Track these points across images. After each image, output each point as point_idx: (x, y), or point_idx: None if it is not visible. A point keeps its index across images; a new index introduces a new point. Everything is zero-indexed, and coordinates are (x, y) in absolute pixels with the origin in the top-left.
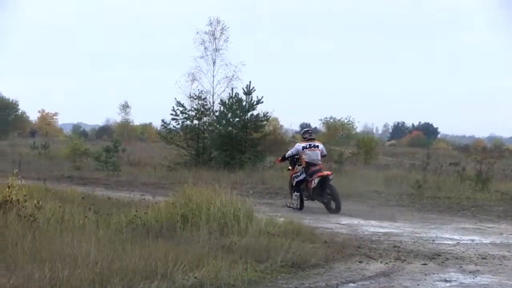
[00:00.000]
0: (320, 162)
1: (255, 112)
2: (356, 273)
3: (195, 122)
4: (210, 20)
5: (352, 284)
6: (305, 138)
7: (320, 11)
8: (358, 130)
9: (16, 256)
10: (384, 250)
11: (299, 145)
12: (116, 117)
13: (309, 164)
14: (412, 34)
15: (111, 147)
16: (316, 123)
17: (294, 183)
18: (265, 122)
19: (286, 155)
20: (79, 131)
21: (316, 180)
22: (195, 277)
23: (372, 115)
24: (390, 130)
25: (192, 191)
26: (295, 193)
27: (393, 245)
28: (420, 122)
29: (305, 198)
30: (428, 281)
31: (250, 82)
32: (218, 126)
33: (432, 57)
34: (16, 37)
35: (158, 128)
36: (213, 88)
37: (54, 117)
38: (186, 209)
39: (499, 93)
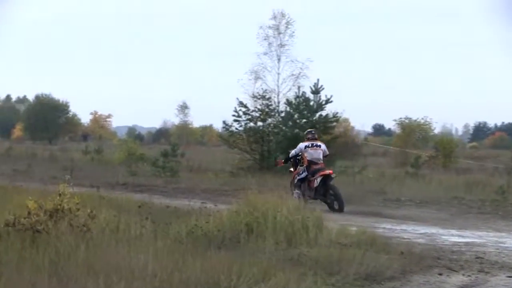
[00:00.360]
0: (321, 161)
1: (323, 113)
2: (435, 286)
3: (259, 123)
4: (274, 13)
5: None
6: (307, 138)
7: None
8: (436, 131)
9: (68, 269)
10: (465, 261)
11: (302, 144)
12: (174, 119)
13: (311, 163)
14: (494, 27)
15: (169, 151)
16: (390, 124)
17: (295, 181)
18: (334, 124)
19: (290, 155)
20: (134, 134)
21: (319, 179)
22: None
23: (451, 115)
24: (471, 131)
25: (257, 198)
26: (296, 190)
27: (475, 256)
28: (503, 122)
29: (308, 198)
30: None
31: (318, 80)
32: (283, 128)
33: None
34: (67, 37)
35: (219, 131)
36: (278, 86)
37: (108, 119)
38: (250, 217)
39: None
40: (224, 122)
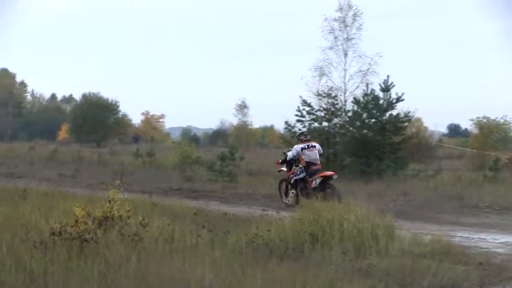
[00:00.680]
0: (319, 162)
1: (394, 112)
2: None
3: (324, 124)
4: (340, 4)
5: None
6: (301, 140)
7: None
8: None
9: (119, 281)
10: None
11: (297, 147)
12: (232, 119)
13: (309, 164)
14: None
15: (227, 154)
16: (466, 124)
17: (291, 181)
18: (406, 124)
19: (288, 158)
20: (189, 136)
21: (318, 180)
22: None
23: None
24: None
25: (322, 205)
26: (292, 190)
27: None
28: None
29: (304, 197)
30: None
31: (388, 76)
32: (351, 128)
33: None
34: (116, 33)
35: (281, 132)
36: (344, 84)
37: (160, 120)
38: (315, 226)
39: None
40: (286, 122)
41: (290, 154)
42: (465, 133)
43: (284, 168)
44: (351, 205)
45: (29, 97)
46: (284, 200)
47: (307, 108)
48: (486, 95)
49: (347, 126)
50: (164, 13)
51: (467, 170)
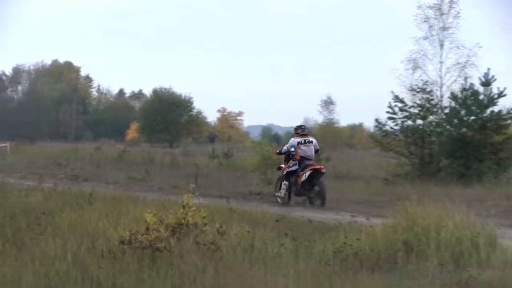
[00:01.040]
0: (314, 158)
1: (496, 108)
2: None
3: (419, 121)
4: None
5: None
6: (298, 134)
7: None
8: None
9: None
10: None
11: (294, 140)
12: (316, 116)
13: (303, 158)
14: None
15: None
16: None
17: (284, 173)
18: (509, 121)
19: (282, 151)
20: (269, 135)
21: (308, 173)
22: None
23: None
24: None
25: (417, 211)
26: (284, 181)
27: None
28: None
29: (293, 194)
30: None
31: (488, 69)
32: (448, 126)
33: None
34: (190, 25)
35: (371, 130)
36: (440, 77)
37: (238, 117)
38: (409, 234)
39: None
40: (376, 120)
41: (285, 147)
42: None
43: (283, 165)
44: (448, 210)
45: (94, 92)
46: (277, 194)
47: (400, 105)
48: None
49: (444, 124)
50: (240, 5)
51: None
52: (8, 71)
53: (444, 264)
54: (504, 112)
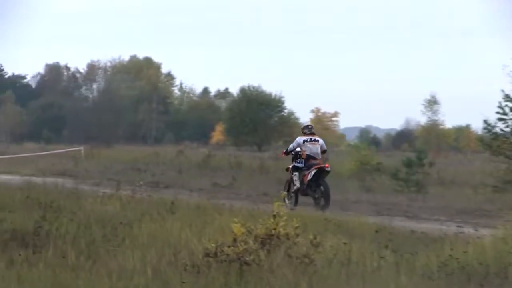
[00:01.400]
0: (320, 157)
1: None
2: None
3: None
4: None
5: None
6: (304, 133)
7: None
8: None
9: None
10: None
11: (300, 139)
12: (419, 117)
13: (309, 157)
14: None
15: (414, 160)
16: None
17: (292, 166)
18: None
19: (288, 149)
20: (368, 138)
21: (313, 172)
22: None
23: None
24: None
25: None
26: (294, 173)
27: None
28: None
29: (299, 194)
30: None
31: None
32: None
33: None
34: (281, 23)
35: (479, 133)
36: None
37: (334, 118)
38: None
39: None
40: (485, 121)
41: (290, 146)
42: None
43: (290, 166)
44: None
45: (176, 91)
46: (286, 199)
47: (511, 104)
48: None
49: None
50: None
51: None
52: (82, 68)
53: None
54: None
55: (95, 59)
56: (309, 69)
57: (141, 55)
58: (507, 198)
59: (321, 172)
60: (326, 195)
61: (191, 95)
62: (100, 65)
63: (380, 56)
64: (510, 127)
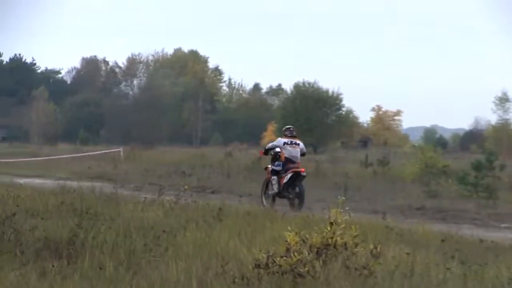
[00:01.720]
0: (299, 161)
1: None
2: None
3: None
4: None
5: None
6: (285, 135)
7: None
8: None
9: None
10: None
11: (281, 140)
12: (490, 116)
13: (288, 160)
14: None
15: (483, 163)
16: None
17: (270, 170)
18: None
19: (267, 147)
20: (433, 139)
21: (289, 176)
22: None
23: None
24: None
25: None
26: (273, 177)
27: None
28: None
29: (275, 194)
30: None
31: None
32: None
33: None
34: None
35: None
36: None
37: (396, 117)
38: None
39: None
40: None
41: (269, 144)
42: None
43: (269, 165)
44: None
45: (225, 88)
46: (263, 199)
47: None
48: None
49: None
50: None
51: None
52: (122, 62)
53: None
54: None
55: (136, 53)
56: (369, 63)
57: (186, 48)
58: None
59: (297, 176)
60: (300, 196)
61: (241, 91)
62: (142, 59)
63: (447, 49)
64: None
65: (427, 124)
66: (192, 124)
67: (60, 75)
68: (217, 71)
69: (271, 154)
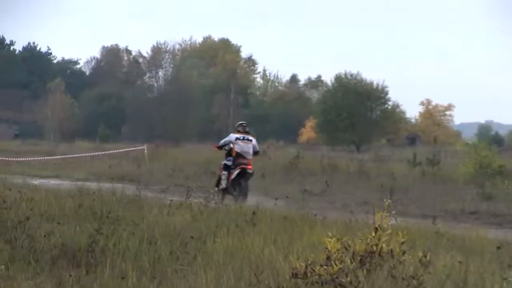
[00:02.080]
0: (250, 157)
1: None
2: None
3: None
4: None
5: None
6: (238, 131)
7: None
8: None
9: None
10: None
11: (233, 135)
12: None
13: (239, 155)
14: None
15: None
16: None
17: (223, 165)
18: None
19: (219, 144)
20: (488, 136)
21: (236, 172)
22: None
23: None
24: None
25: None
26: (223, 172)
27: None
28: None
29: (224, 189)
30: None
31: None
32: None
33: None
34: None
35: None
36: None
37: (447, 113)
38: None
39: None
40: None
41: (222, 141)
42: None
43: (225, 161)
44: None
45: (259, 79)
46: (215, 189)
47: None
48: None
49: None
50: None
51: None
52: (146, 51)
53: None
54: None
55: (162, 41)
56: (417, 54)
57: (216, 36)
58: None
59: (244, 173)
60: (243, 194)
61: (276, 84)
62: (168, 48)
63: (503, 38)
64: None
65: (482, 119)
66: (222, 119)
67: (78, 66)
68: (250, 61)
69: (226, 150)
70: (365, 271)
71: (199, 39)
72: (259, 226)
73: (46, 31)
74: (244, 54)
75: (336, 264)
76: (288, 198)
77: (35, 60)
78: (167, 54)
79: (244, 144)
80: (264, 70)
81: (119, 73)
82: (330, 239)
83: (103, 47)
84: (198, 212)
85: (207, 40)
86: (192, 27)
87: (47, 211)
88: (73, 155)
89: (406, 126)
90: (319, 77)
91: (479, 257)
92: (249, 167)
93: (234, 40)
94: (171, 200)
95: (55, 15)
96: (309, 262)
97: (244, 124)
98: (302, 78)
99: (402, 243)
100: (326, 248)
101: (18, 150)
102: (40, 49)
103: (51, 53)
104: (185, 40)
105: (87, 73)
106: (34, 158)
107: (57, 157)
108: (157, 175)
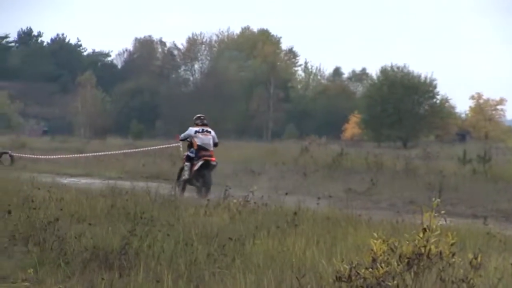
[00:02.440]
0: (211, 149)
1: None
2: None
3: None
4: None
5: None
6: (196, 124)
7: None
8: None
9: None
10: None
11: (192, 129)
12: None
13: (200, 148)
14: None
15: None
16: None
17: (185, 156)
18: None
19: (180, 138)
20: None
21: (200, 163)
22: None
23: None
24: None
25: None
26: (186, 163)
27: None
28: None
29: (186, 180)
30: None
31: None
32: None
33: None
34: None
35: None
36: None
37: (499, 107)
38: None
39: None
40: None
41: (182, 135)
42: None
43: (187, 152)
44: None
45: (300, 72)
46: (176, 186)
47: None
48: None
49: None
50: None
51: None
52: (181, 43)
53: None
54: None
55: (198, 32)
56: (467, 45)
57: (255, 27)
58: None
59: (208, 165)
60: (207, 185)
61: (319, 77)
62: (204, 40)
63: None
64: None
65: None
66: (262, 115)
67: (109, 58)
68: (291, 53)
69: (188, 141)
70: (412, 274)
71: (237, 30)
72: (301, 227)
73: (75, 22)
74: (284, 45)
75: (382, 267)
76: (331, 197)
77: (64, 52)
78: (203, 46)
79: (204, 136)
80: (306, 63)
81: (153, 66)
82: (375, 241)
83: (136, 39)
84: (236, 212)
85: (246, 31)
86: (230, 17)
87: (78, 212)
88: (105, 153)
89: (456, 121)
90: (363, 69)
91: None
92: (213, 159)
93: (274, 31)
94: (208, 200)
95: (85, 5)
96: (354, 265)
97: (202, 117)
98: (346, 71)
99: (452, 244)
100: (372, 250)
101: (47, 147)
102: (69, 40)
103: (81, 45)
104: (222, 31)
105: (119, 66)
106: (64, 156)
107: (87, 154)
108: None
